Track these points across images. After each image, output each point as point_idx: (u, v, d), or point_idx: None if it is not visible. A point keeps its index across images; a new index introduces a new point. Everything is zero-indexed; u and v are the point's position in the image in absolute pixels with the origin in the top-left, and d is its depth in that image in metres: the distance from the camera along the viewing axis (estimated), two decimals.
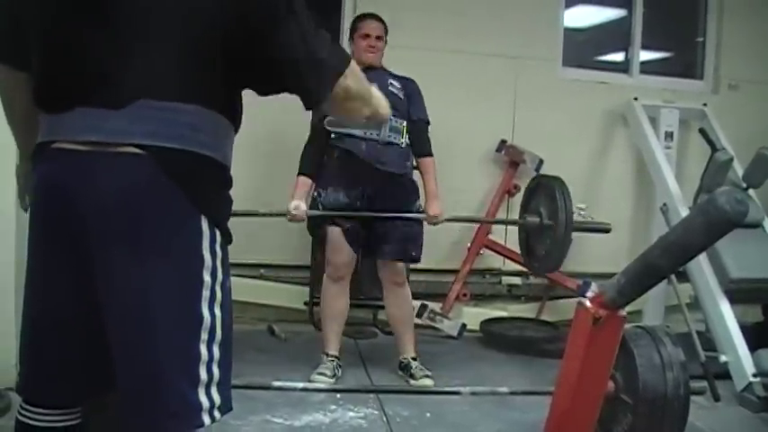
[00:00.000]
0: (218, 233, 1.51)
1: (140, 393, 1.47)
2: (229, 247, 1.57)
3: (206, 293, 1.48)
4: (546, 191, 4.09)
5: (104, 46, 1.43)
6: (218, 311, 1.50)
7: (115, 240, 1.43)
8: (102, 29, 1.43)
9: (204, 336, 1.48)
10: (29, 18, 1.50)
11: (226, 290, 1.54)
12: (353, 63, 1.58)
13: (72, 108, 1.44)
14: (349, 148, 3.65)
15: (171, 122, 1.43)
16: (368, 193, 3.69)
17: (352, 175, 3.67)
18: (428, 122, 3.88)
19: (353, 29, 3.90)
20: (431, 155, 3.85)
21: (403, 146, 3.73)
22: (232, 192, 1.60)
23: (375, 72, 3.68)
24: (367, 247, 3.79)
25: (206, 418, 1.49)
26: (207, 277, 1.48)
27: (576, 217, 3.99)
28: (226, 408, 1.54)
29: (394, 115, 3.49)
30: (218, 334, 1.51)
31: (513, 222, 4.49)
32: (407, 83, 3.87)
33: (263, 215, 3.85)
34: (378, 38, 3.82)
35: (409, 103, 3.81)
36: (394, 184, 3.71)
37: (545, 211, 4.04)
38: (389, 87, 3.70)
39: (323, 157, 3.74)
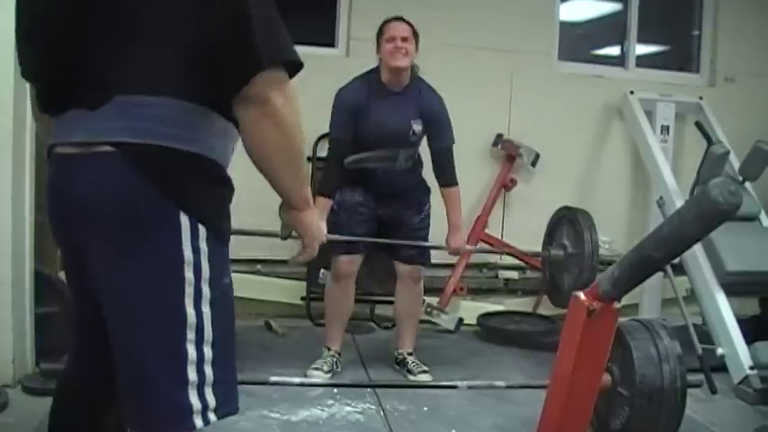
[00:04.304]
0: (201, 229, 1.45)
1: (131, 394, 1.47)
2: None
3: (190, 291, 1.44)
4: (570, 223, 3.93)
5: (89, 47, 1.44)
6: (206, 309, 1.46)
7: (96, 241, 1.44)
8: (87, 30, 1.44)
9: (191, 335, 1.44)
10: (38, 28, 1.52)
11: (220, 287, 1.49)
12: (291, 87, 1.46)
13: (66, 110, 1.46)
14: (365, 172, 3.62)
15: (143, 117, 1.41)
16: (382, 201, 3.70)
17: (368, 184, 3.67)
18: (452, 144, 3.70)
19: (379, 34, 3.64)
20: (455, 184, 3.69)
21: (416, 164, 3.72)
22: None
23: (401, 97, 3.61)
24: (385, 249, 3.81)
25: (198, 421, 1.45)
26: (189, 275, 1.44)
27: (601, 250, 3.84)
28: (226, 409, 1.50)
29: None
30: (209, 333, 1.47)
31: (537, 255, 4.23)
32: (429, 109, 3.64)
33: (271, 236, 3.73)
34: (404, 39, 3.55)
35: (428, 132, 3.67)
36: (407, 191, 3.73)
37: (569, 244, 3.89)
38: (411, 136, 3.61)
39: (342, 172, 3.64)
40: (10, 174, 3.13)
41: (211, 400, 1.47)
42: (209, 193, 1.50)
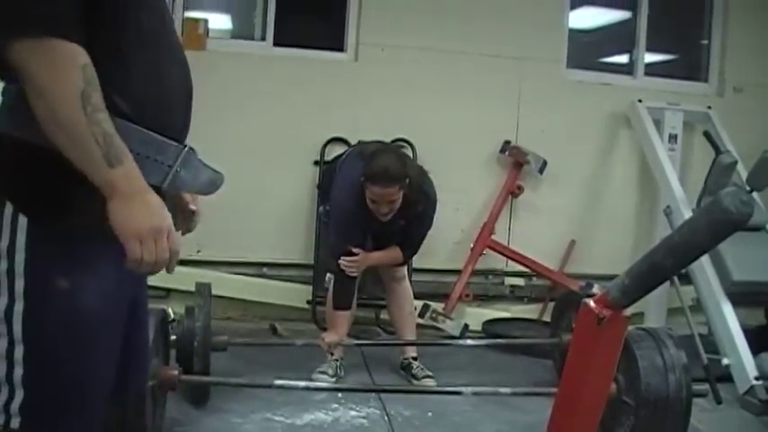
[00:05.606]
0: (22, 219, 1.32)
1: None
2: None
3: (3, 296, 1.33)
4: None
5: None
6: (18, 317, 1.32)
7: None
8: None
9: (3, 342, 1.33)
10: None
11: (40, 296, 1.32)
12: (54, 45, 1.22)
13: None
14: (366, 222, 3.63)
15: None
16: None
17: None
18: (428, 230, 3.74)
19: (364, 181, 3.45)
20: (405, 258, 3.77)
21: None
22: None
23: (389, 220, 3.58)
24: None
25: (2, 418, 1.34)
26: (2, 266, 1.32)
27: None
28: (26, 421, 1.35)
29: None
30: (19, 341, 1.33)
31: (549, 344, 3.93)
32: (416, 216, 3.64)
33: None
34: (390, 201, 3.45)
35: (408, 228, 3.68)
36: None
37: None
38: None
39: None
40: None
41: (15, 405, 1.35)
42: (35, 183, 1.33)
